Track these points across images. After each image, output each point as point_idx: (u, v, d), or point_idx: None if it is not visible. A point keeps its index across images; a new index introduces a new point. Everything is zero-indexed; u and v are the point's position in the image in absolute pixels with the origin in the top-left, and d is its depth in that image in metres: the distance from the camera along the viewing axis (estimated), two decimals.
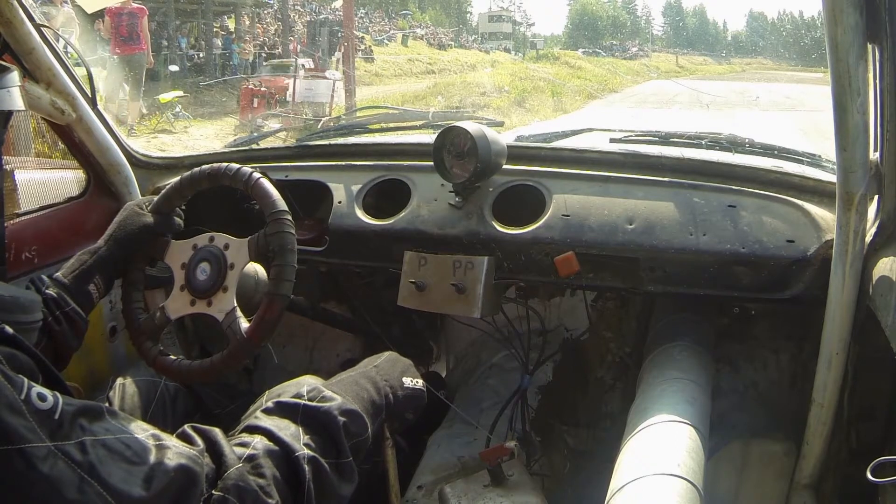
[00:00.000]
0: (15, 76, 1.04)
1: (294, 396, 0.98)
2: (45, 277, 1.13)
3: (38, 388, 0.66)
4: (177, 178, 1.30)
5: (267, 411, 0.95)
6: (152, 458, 0.72)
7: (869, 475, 0.72)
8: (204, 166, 1.26)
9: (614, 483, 0.97)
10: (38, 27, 1.35)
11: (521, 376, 1.53)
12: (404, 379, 1.14)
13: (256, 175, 1.19)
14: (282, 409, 0.94)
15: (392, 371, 1.14)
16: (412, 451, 1.46)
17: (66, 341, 1.10)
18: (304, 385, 1.04)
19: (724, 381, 1.48)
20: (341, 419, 0.95)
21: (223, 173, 1.22)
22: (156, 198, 1.29)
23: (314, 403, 0.96)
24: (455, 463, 1.39)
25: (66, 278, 1.15)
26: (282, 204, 1.16)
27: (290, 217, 1.16)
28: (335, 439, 0.93)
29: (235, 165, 1.22)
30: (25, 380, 0.66)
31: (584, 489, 1.36)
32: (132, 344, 1.24)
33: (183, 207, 1.31)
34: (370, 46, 25.63)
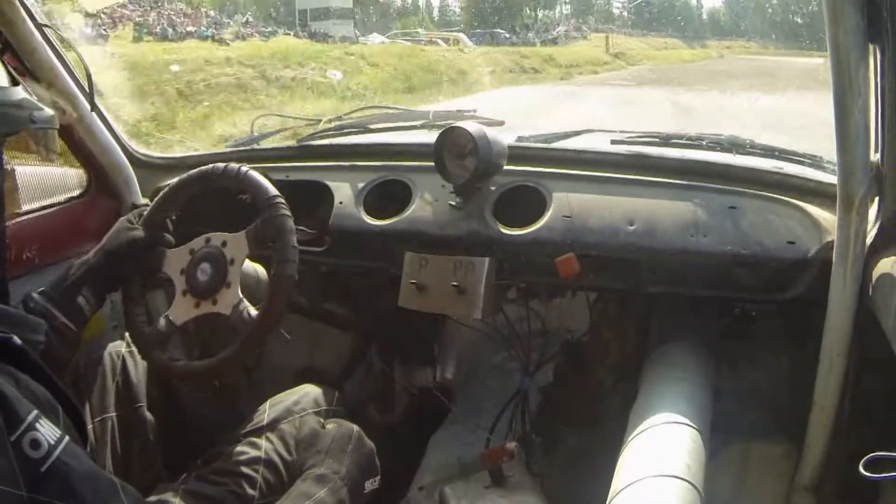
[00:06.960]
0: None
1: None
2: (34, 294, 1.10)
3: (34, 435, 0.63)
4: (166, 187, 1.29)
5: None
6: None
7: (861, 469, 0.72)
8: (192, 171, 1.26)
9: (615, 484, 0.97)
10: (39, 27, 1.35)
11: (522, 377, 1.53)
12: (366, 483, 1.11)
13: (244, 168, 1.21)
14: None
15: (360, 478, 1.10)
16: (412, 451, 1.46)
17: (56, 354, 1.06)
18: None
19: (724, 382, 1.48)
20: None
21: (211, 174, 1.23)
22: (146, 211, 1.27)
23: None
24: (455, 464, 1.39)
25: (55, 292, 1.12)
26: (273, 190, 1.17)
27: (283, 200, 1.17)
28: None
29: (222, 164, 1.23)
30: (28, 420, 0.63)
31: (585, 490, 1.35)
32: (142, 357, 1.22)
33: (173, 218, 1.28)
34: None
